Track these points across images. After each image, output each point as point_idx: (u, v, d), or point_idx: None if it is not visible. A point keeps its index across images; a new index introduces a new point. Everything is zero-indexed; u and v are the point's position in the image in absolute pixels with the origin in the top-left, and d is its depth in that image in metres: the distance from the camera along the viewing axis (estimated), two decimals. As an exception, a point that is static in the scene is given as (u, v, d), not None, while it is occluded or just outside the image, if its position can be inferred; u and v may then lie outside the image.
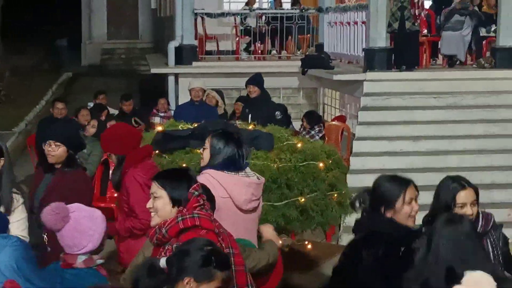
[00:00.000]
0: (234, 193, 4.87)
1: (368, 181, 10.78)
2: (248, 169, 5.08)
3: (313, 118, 11.79)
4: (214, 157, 4.92)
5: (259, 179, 5.08)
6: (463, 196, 4.25)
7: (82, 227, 3.96)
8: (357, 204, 4.33)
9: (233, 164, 4.94)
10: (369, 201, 4.20)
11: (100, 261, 4.06)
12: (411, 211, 4.10)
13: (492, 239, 4.32)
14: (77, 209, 4.02)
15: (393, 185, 4.17)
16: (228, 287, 3.44)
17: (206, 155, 5.02)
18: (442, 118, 11.51)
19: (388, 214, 4.10)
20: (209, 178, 4.77)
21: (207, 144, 5.02)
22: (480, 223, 4.34)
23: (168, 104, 13.77)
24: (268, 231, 5.08)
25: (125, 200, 5.62)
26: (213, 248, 3.43)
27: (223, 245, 3.88)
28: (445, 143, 11.08)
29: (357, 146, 11.13)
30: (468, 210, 4.23)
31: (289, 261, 7.86)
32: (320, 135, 11.27)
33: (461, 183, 4.31)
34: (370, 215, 4.19)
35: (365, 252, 4.02)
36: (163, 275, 3.34)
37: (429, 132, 11.27)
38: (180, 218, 3.91)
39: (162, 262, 3.37)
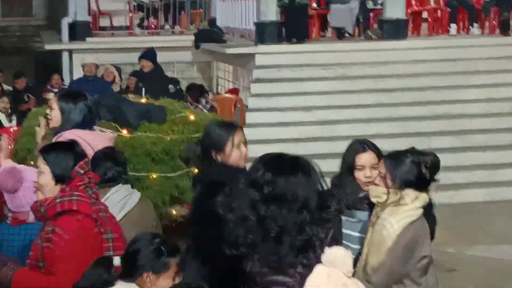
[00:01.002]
0: None
1: (261, 151, 10.80)
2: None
3: (195, 92, 11.65)
4: (67, 117, 4.93)
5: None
6: (363, 158, 4.27)
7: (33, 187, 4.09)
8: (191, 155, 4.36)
9: (90, 121, 5.00)
10: (201, 150, 4.20)
11: None
12: (240, 153, 4.14)
13: None
14: (25, 169, 4.24)
15: (222, 130, 4.19)
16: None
17: (55, 115, 5.00)
18: (332, 88, 11.63)
19: (219, 158, 4.12)
20: (78, 139, 4.54)
21: (54, 104, 5.01)
22: None
23: (62, 80, 13.56)
24: None
25: None
26: (160, 239, 3.47)
27: (101, 230, 3.79)
28: (335, 113, 11.21)
29: (250, 117, 11.13)
30: (367, 173, 4.26)
31: (183, 230, 7.82)
32: (209, 106, 11.14)
33: (363, 146, 4.33)
34: (204, 162, 4.20)
35: (209, 201, 3.94)
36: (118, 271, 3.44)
37: (320, 103, 11.37)
38: (59, 200, 3.73)
39: (116, 261, 3.46)
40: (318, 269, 2.68)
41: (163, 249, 3.41)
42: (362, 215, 4.24)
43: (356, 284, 2.68)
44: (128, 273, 3.41)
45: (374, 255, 4.00)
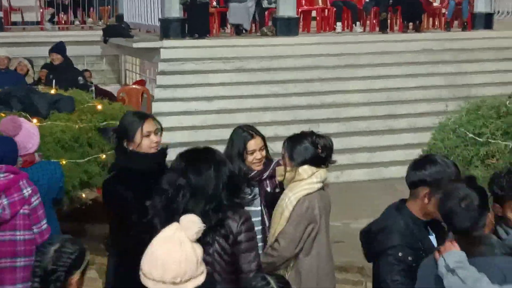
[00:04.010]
0: None
1: (166, 137, 10.70)
2: None
3: None
4: None
5: None
6: (253, 143, 4.36)
7: (29, 133, 4.65)
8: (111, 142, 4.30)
9: None
10: (115, 139, 4.16)
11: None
12: (150, 143, 4.07)
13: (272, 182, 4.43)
14: (24, 121, 4.76)
15: (131, 120, 4.12)
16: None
17: None
18: (231, 80, 11.63)
19: (131, 147, 4.06)
20: None
21: None
22: (271, 167, 4.40)
23: (-26, 72, 12.93)
24: None
25: None
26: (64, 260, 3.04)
27: None
28: (234, 102, 11.22)
29: (156, 106, 11.02)
30: (258, 155, 4.36)
31: (94, 213, 7.69)
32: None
33: (250, 132, 4.40)
34: (117, 150, 4.17)
35: (120, 187, 3.97)
36: None
37: (220, 93, 11.36)
38: None
39: None
40: (170, 226, 2.75)
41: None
42: (254, 190, 4.35)
43: (193, 248, 2.70)
44: None
45: (275, 225, 4.10)
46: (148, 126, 4.07)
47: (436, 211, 3.27)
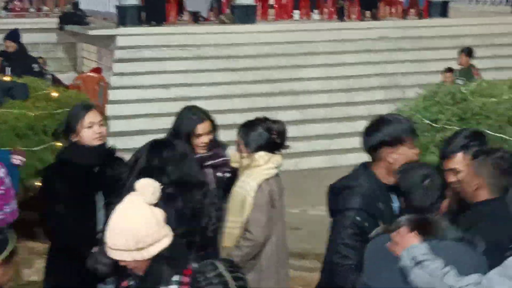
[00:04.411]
0: None
1: (124, 126, 10.64)
2: None
3: None
4: None
5: None
6: (201, 128, 4.25)
7: None
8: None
9: None
10: (63, 130, 4.07)
11: None
12: (93, 133, 3.97)
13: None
14: None
15: (75, 110, 4.05)
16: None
17: None
18: (188, 67, 11.55)
19: (74, 139, 3.98)
20: None
21: None
22: (216, 161, 4.35)
23: None
24: None
25: None
26: None
27: None
28: (192, 90, 11.13)
29: (113, 94, 10.89)
30: (205, 139, 4.25)
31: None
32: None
33: (200, 116, 4.29)
34: (65, 142, 4.12)
35: (55, 178, 3.90)
36: None
37: (178, 80, 11.27)
38: None
39: None
40: (127, 196, 2.72)
41: None
42: None
43: (151, 211, 2.67)
44: None
45: (236, 213, 4.04)
46: (90, 117, 3.95)
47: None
